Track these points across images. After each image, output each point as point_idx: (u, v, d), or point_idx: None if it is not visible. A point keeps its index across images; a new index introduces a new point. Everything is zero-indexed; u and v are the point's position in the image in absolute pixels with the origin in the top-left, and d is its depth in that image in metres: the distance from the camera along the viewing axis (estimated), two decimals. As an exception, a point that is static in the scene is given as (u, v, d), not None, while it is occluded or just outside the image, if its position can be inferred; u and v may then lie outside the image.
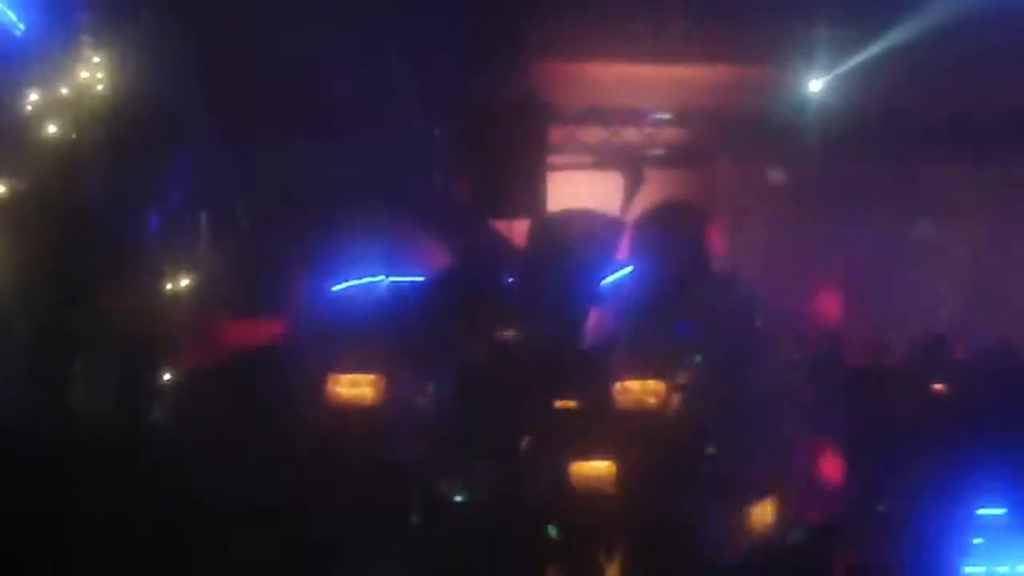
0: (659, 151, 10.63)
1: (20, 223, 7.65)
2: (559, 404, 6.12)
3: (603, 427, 5.81)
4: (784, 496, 6.83)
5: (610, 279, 7.84)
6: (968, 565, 8.24)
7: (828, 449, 7.64)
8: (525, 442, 5.88)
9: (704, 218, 6.51)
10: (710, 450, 5.68)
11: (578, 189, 8.79)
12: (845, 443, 8.27)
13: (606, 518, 5.96)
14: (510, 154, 9.86)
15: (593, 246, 6.52)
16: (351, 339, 7.07)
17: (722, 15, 10.20)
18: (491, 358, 6.19)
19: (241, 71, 9.68)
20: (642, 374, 5.77)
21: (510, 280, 6.81)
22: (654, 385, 5.66)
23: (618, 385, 5.74)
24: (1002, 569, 8.40)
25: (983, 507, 8.66)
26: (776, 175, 10.57)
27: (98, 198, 8.19)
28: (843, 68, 10.48)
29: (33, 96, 7.78)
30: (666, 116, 10.93)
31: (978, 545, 8.46)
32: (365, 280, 10.29)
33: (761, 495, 6.61)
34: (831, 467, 7.49)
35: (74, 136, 7.92)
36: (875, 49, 10.13)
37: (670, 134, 11.04)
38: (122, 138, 8.30)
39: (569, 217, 6.81)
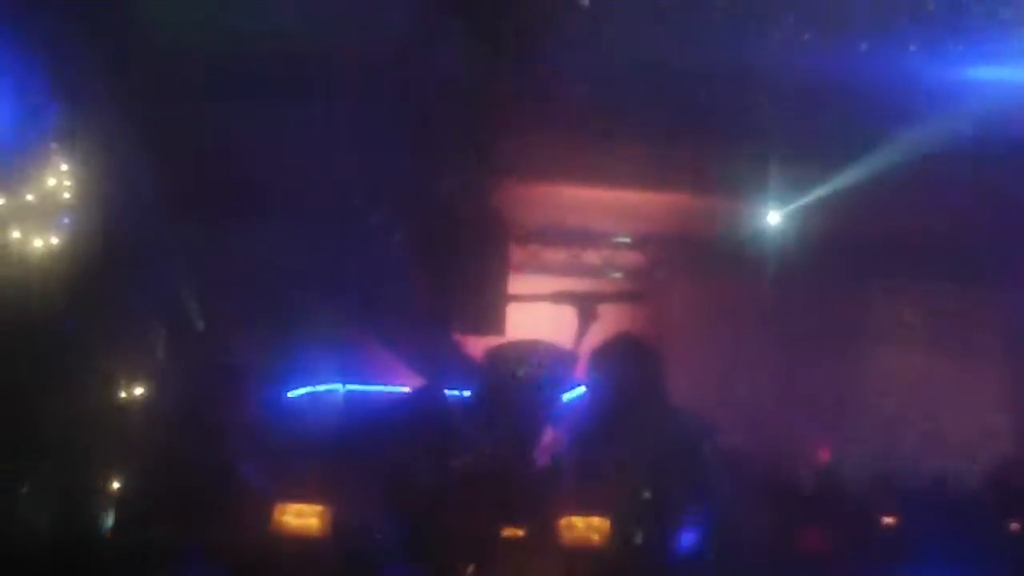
0: (617, 274, 10.85)
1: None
2: (505, 532, 6.15)
3: (547, 560, 5.84)
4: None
5: (564, 399, 7.92)
6: None
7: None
8: (470, 570, 5.91)
9: (655, 350, 6.61)
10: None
11: (534, 316, 8.89)
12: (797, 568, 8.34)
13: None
14: (469, 269, 9.96)
15: (547, 376, 6.60)
16: (301, 461, 7.09)
17: (683, 145, 10.37)
18: (440, 483, 6.23)
19: (207, 179, 9.78)
20: (587, 510, 5.83)
21: (462, 404, 6.88)
22: (598, 522, 5.71)
23: (563, 520, 5.79)
24: None
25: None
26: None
27: (57, 304, 8.20)
28: (800, 202, 10.68)
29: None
30: (625, 240, 11.14)
31: None
32: (320, 388, 10.33)
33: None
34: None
35: (37, 242, 7.96)
36: (833, 184, 10.32)
37: (628, 257, 11.25)
38: (85, 246, 8.34)
39: (524, 346, 6.90)
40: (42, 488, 7.67)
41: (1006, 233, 11.11)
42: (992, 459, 11.23)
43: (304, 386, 10.36)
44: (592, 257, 11.06)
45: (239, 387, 9.61)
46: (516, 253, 10.51)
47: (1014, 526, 10.07)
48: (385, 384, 9.46)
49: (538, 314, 8.76)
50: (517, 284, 10.20)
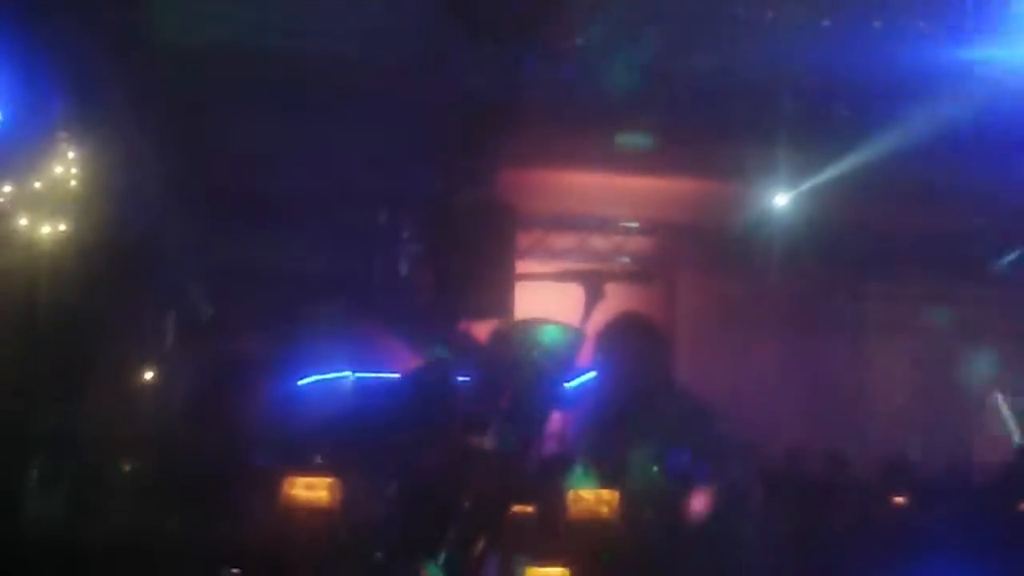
0: (625, 259, 10.87)
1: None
2: (514, 509, 6.15)
3: (556, 534, 5.84)
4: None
5: (572, 384, 7.91)
6: None
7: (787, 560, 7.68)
8: (478, 546, 5.91)
9: (663, 330, 6.61)
10: (664, 560, 5.72)
11: (541, 297, 8.89)
12: (804, 554, 8.33)
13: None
14: (476, 257, 9.95)
15: (554, 355, 6.59)
16: (310, 438, 7.10)
17: (691, 130, 10.37)
18: (447, 461, 6.24)
19: (213, 170, 9.80)
20: (596, 483, 5.83)
21: (469, 384, 6.87)
22: (608, 495, 5.70)
23: (572, 493, 5.78)
24: None
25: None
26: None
27: (65, 293, 8.21)
28: (808, 184, 10.68)
29: (6, 188, 7.85)
30: (633, 225, 11.17)
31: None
32: (331, 376, 10.35)
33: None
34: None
35: (45, 230, 7.97)
36: (840, 167, 10.32)
37: (636, 243, 11.27)
38: (93, 236, 8.34)
39: (530, 326, 6.88)
40: (54, 476, 7.68)
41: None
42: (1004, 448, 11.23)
43: (313, 374, 10.37)
44: (600, 243, 11.10)
45: (248, 375, 9.62)
46: (524, 239, 10.53)
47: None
48: (394, 371, 9.46)
49: (546, 297, 8.74)
50: (525, 270, 10.22)
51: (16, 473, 7.31)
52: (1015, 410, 11.82)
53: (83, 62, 8.05)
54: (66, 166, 8.12)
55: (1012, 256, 11.54)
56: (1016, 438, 11.74)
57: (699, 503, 5.89)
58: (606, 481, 5.80)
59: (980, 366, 11.91)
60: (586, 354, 6.58)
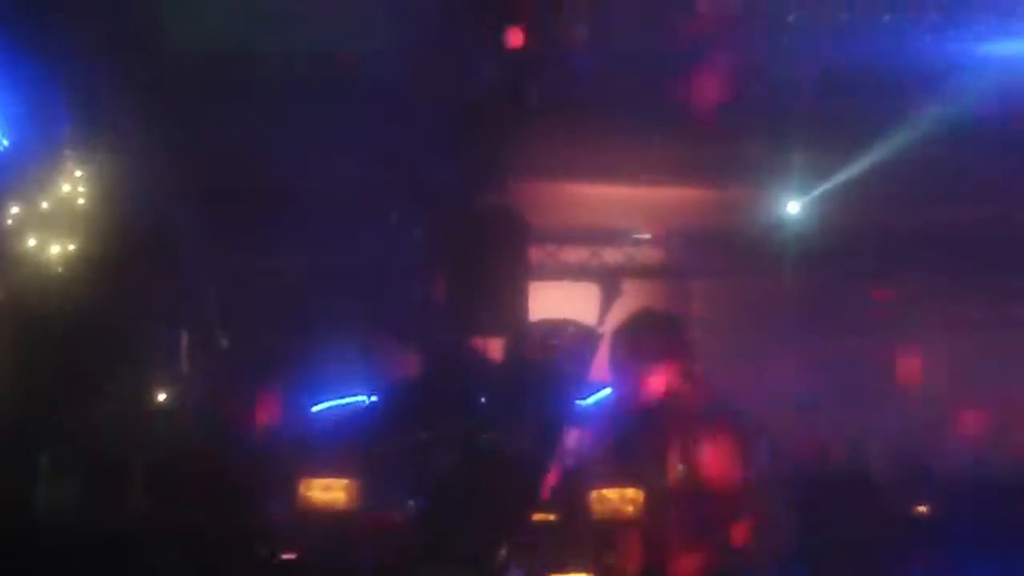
0: (638, 269, 10.80)
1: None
2: (536, 516, 6.04)
3: (580, 537, 5.73)
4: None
5: (589, 400, 7.82)
6: None
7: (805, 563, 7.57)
8: (502, 554, 5.79)
9: (683, 325, 6.52)
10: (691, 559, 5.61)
11: (556, 301, 8.81)
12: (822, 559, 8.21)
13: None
14: (489, 271, 9.86)
15: (570, 355, 6.50)
16: (325, 446, 7.04)
17: (701, 138, 10.31)
18: (467, 469, 6.13)
19: (223, 184, 9.74)
20: (620, 482, 5.72)
21: (488, 389, 6.77)
22: (632, 493, 5.59)
23: (595, 494, 5.67)
24: None
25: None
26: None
27: (78, 311, 8.16)
28: (820, 190, 10.61)
29: (14, 210, 7.81)
30: (646, 236, 11.10)
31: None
32: (346, 400, 10.24)
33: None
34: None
35: (54, 249, 7.93)
36: (852, 172, 10.24)
37: (649, 253, 11.20)
38: (103, 252, 8.30)
39: (547, 326, 6.81)
40: (67, 484, 7.64)
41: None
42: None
43: (328, 399, 10.27)
44: (612, 254, 11.03)
45: (263, 400, 9.55)
46: (536, 253, 10.45)
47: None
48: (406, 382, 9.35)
49: (561, 301, 8.67)
50: (538, 283, 10.13)
51: (33, 485, 7.28)
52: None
53: (88, 77, 8.01)
54: (73, 184, 8.07)
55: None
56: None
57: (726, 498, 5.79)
58: (628, 480, 5.70)
59: (1003, 366, 11.79)
60: (604, 352, 6.48)
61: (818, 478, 9.68)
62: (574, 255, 11.05)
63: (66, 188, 8.05)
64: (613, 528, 5.52)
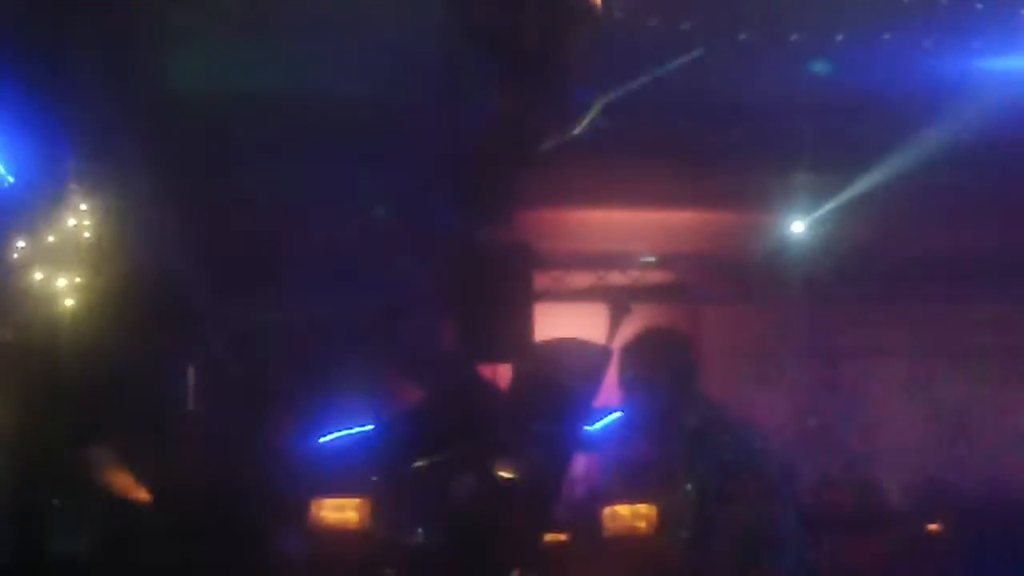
0: (645, 293, 10.81)
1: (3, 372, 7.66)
2: (549, 537, 6.02)
3: (594, 556, 5.70)
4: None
5: (599, 424, 7.79)
6: None
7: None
8: (514, 574, 5.76)
9: (691, 343, 6.47)
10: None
11: (566, 324, 8.80)
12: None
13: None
14: (496, 299, 9.87)
15: (579, 373, 6.48)
16: (335, 471, 7.03)
17: (703, 162, 10.31)
18: (479, 492, 6.10)
19: (228, 220, 9.76)
20: (631, 499, 5.69)
21: (497, 413, 6.76)
22: (645, 509, 5.56)
23: (607, 511, 5.64)
24: None
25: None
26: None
27: (85, 346, 8.16)
28: (824, 209, 10.60)
29: (21, 244, 7.83)
30: (652, 259, 11.11)
31: None
32: (354, 431, 10.22)
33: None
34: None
35: (61, 283, 7.94)
36: (855, 191, 10.24)
37: (656, 276, 11.21)
38: (110, 286, 8.31)
39: (555, 347, 6.79)
40: (78, 532, 7.62)
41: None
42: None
43: (336, 430, 10.25)
44: (619, 278, 11.03)
45: (272, 430, 9.55)
46: (542, 279, 10.45)
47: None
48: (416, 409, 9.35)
49: (569, 323, 8.66)
50: (546, 307, 10.13)
51: (43, 524, 7.26)
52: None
53: (94, 112, 8.03)
54: (79, 218, 8.09)
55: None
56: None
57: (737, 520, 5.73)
58: (639, 496, 5.67)
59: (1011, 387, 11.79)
60: (613, 372, 6.45)
61: (828, 499, 9.67)
62: (582, 279, 11.06)
63: (71, 222, 8.06)
64: (626, 544, 5.49)
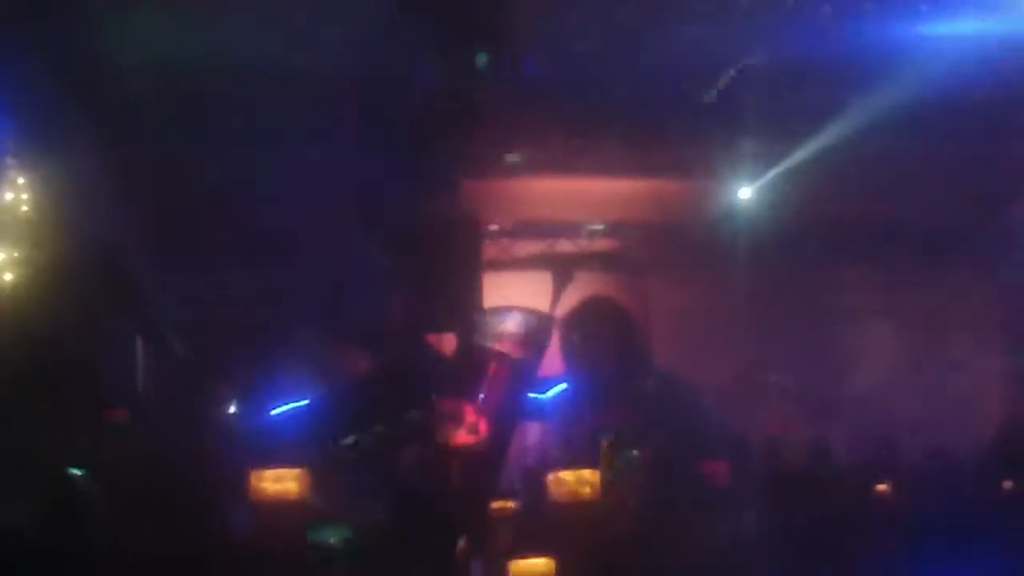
0: (592, 261, 10.85)
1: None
2: (495, 504, 6.01)
3: (538, 522, 5.70)
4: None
5: (545, 395, 7.79)
6: None
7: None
8: (460, 543, 5.75)
9: (632, 311, 6.50)
10: (650, 537, 5.58)
11: (510, 292, 8.80)
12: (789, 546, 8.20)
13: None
14: (442, 270, 9.82)
15: (522, 341, 6.47)
16: (281, 442, 7.00)
17: (650, 130, 10.31)
18: (424, 462, 6.08)
19: (171, 193, 9.65)
20: (576, 465, 5.70)
21: (442, 382, 6.73)
22: (588, 475, 5.57)
23: (551, 477, 5.64)
24: None
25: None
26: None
27: (25, 322, 8.07)
28: (775, 174, 10.64)
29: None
30: (599, 227, 11.14)
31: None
32: (303, 403, 10.17)
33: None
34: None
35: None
36: (801, 156, 10.27)
37: (603, 244, 11.24)
38: (49, 261, 8.20)
39: (497, 315, 6.79)
40: (23, 512, 7.53)
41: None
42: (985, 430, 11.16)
43: (285, 403, 10.20)
44: (567, 247, 11.06)
45: (218, 405, 9.47)
46: (489, 249, 10.44)
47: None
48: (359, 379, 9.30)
49: (514, 291, 8.65)
50: (491, 276, 10.11)
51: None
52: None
53: (31, 84, 7.92)
54: (16, 192, 7.98)
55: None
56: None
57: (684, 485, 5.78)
58: (583, 463, 5.68)
59: (955, 349, 11.93)
60: (556, 339, 6.46)
61: (779, 462, 9.73)
62: (528, 248, 11.07)
63: (9, 196, 7.94)
64: (571, 510, 5.50)
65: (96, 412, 8.79)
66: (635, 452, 5.75)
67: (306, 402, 10.04)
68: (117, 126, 8.78)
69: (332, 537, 5.51)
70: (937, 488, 10.03)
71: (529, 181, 10.90)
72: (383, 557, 5.58)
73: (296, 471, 5.15)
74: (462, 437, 6.08)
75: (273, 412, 9.86)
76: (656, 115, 9.86)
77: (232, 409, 9.69)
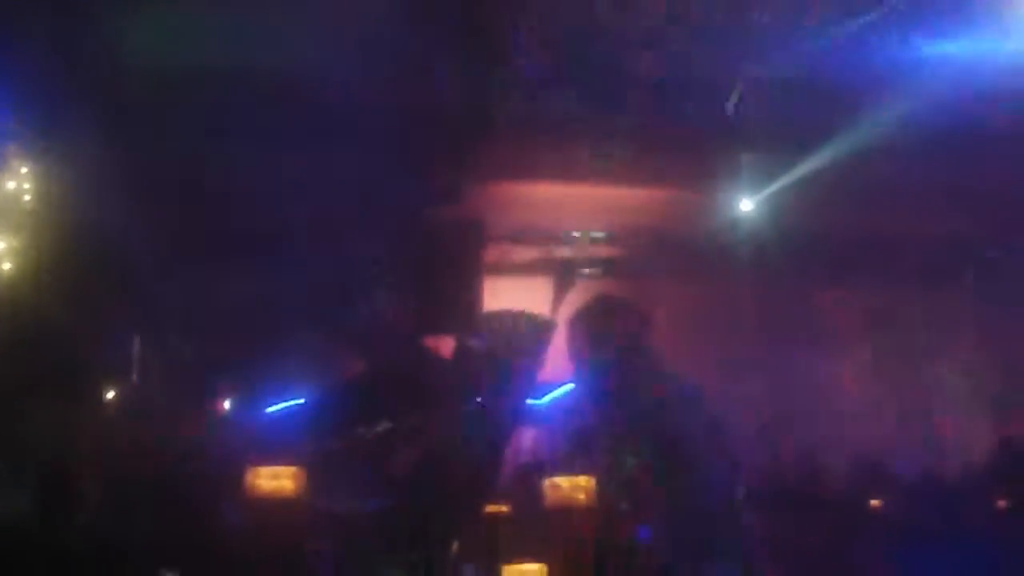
0: (593, 269, 10.88)
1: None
2: (489, 508, 6.00)
3: (533, 527, 5.69)
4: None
5: (543, 400, 7.79)
6: None
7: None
8: (454, 547, 5.74)
9: (639, 311, 6.50)
10: (645, 544, 5.56)
11: (512, 297, 8.80)
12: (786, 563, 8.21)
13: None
14: (443, 274, 9.85)
15: (523, 344, 6.46)
16: (277, 440, 6.98)
17: (655, 140, 10.32)
18: (421, 464, 6.07)
19: (174, 187, 9.64)
20: (572, 471, 5.69)
21: (440, 384, 6.72)
22: (584, 481, 5.56)
23: (547, 482, 5.64)
24: None
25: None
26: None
27: (24, 313, 8.06)
28: (773, 188, 10.65)
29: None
30: (600, 235, 11.17)
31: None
32: (300, 401, 10.16)
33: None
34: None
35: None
36: (804, 170, 10.28)
37: (603, 252, 11.27)
38: (50, 251, 8.20)
39: (498, 318, 6.78)
40: (17, 503, 7.52)
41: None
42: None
43: (282, 401, 10.19)
44: (567, 253, 11.07)
45: (216, 403, 9.48)
46: (490, 254, 10.46)
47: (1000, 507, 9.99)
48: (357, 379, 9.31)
49: (516, 296, 8.64)
50: (493, 281, 10.15)
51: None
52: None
53: (34, 76, 7.91)
54: (19, 181, 7.98)
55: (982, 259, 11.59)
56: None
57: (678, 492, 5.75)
58: (579, 469, 5.67)
59: (950, 368, 11.96)
60: (560, 342, 6.45)
61: (773, 475, 9.74)
62: (528, 253, 11.10)
63: (11, 185, 7.94)
64: (565, 516, 5.49)
65: (92, 406, 8.80)
66: (631, 459, 5.74)
67: (303, 401, 10.05)
68: (120, 121, 8.77)
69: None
70: (922, 507, 10.06)
71: (532, 187, 10.91)
72: (378, 558, 5.57)
73: (292, 469, 5.14)
74: (457, 441, 6.07)
75: (269, 410, 9.87)
76: (662, 126, 9.88)
77: (229, 405, 9.71)
